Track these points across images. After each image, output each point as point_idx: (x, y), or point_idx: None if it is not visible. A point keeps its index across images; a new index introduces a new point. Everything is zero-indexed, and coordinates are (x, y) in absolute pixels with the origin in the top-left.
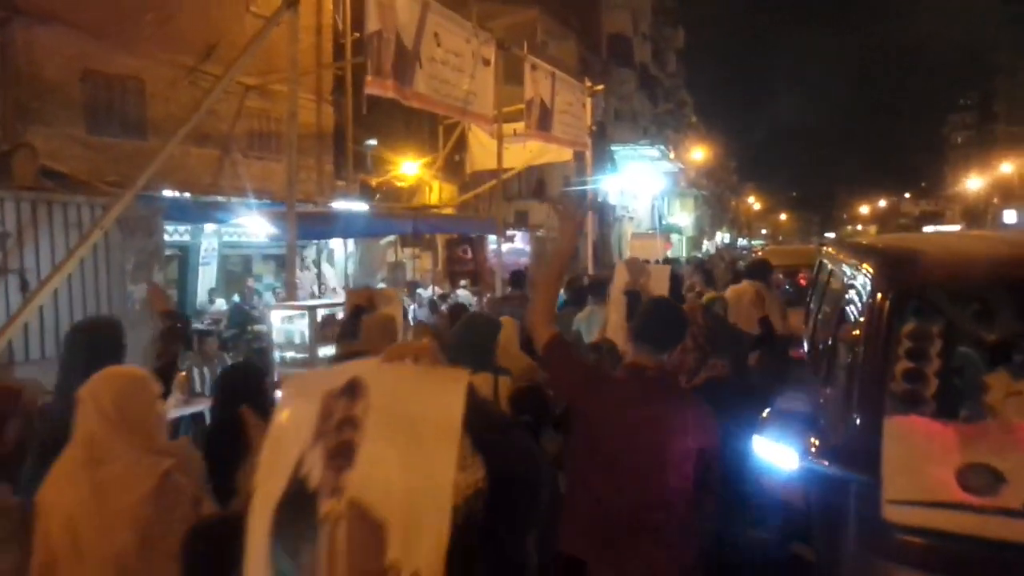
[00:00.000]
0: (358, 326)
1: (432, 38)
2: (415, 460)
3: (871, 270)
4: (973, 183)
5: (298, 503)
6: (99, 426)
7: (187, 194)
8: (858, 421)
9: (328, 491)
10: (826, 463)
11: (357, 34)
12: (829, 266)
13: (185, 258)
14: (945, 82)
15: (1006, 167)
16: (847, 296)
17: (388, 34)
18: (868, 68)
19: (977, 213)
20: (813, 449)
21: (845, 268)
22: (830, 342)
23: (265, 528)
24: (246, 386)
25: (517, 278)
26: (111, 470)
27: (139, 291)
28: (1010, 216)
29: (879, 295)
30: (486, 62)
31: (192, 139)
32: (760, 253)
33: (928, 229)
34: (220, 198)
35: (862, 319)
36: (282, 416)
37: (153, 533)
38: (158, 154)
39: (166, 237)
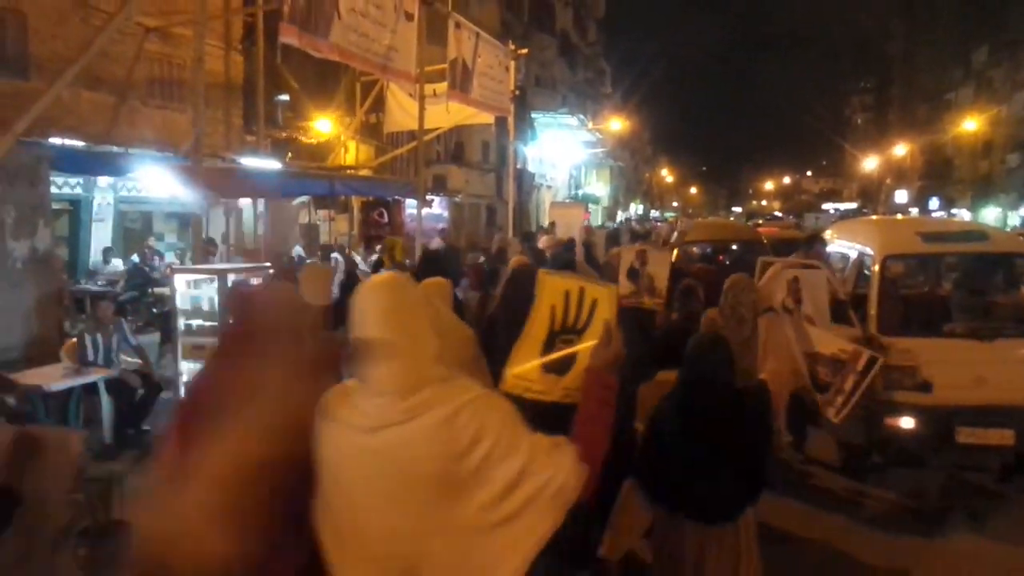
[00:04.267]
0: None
1: None
2: None
3: None
4: (869, 163)
5: None
6: None
7: (78, 142)
8: None
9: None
10: None
11: None
12: None
13: (76, 213)
14: (849, 65)
15: (899, 149)
16: None
17: None
18: (780, 47)
19: (871, 192)
20: None
21: None
22: None
23: None
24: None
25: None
26: None
27: (20, 248)
28: (901, 196)
29: None
30: (409, 17)
31: (83, 82)
32: (677, 224)
33: (827, 206)
34: (116, 148)
35: None
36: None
37: None
38: (43, 96)
39: (54, 189)
